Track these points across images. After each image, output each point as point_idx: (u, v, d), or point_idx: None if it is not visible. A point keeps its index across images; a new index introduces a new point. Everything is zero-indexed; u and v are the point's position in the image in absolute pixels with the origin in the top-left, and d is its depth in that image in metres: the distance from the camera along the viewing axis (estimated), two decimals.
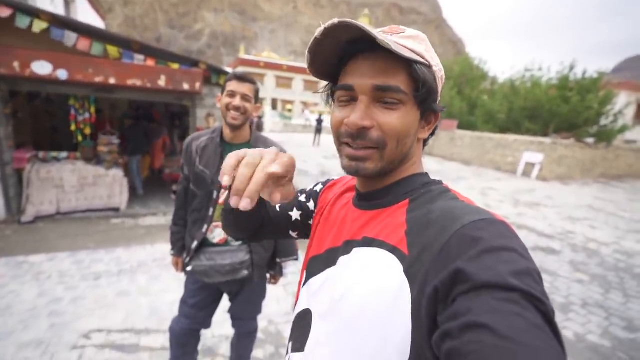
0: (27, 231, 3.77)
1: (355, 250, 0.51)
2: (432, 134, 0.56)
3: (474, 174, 10.58)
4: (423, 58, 0.48)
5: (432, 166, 11.40)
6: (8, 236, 3.60)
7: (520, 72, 14.03)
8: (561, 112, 11.70)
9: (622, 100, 16.58)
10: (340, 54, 0.50)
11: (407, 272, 0.42)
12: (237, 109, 1.29)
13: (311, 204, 0.72)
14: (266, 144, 1.44)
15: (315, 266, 0.57)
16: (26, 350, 1.98)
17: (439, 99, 0.53)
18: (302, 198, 0.73)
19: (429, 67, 0.49)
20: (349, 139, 0.50)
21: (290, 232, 0.74)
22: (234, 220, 0.67)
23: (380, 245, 0.47)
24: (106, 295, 2.60)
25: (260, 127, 8.00)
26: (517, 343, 0.28)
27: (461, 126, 15.07)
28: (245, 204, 0.39)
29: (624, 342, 2.49)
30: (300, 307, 0.58)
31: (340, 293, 0.48)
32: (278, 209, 0.73)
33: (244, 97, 1.30)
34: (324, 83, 0.58)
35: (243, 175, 0.40)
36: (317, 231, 0.65)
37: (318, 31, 0.45)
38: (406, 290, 0.41)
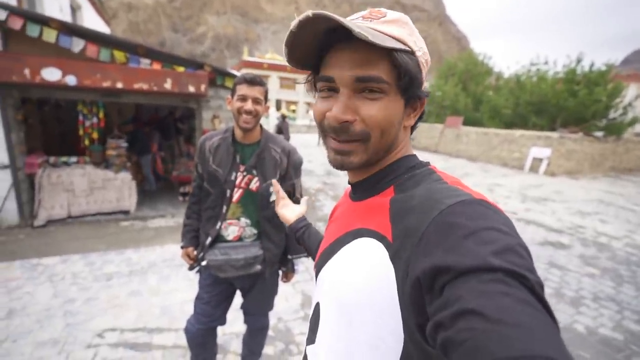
0: (39, 235, 3.86)
1: (352, 241, 0.52)
2: (420, 118, 0.55)
3: (480, 170, 10.48)
4: (405, 44, 0.46)
5: (438, 163, 11.32)
6: (21, 240, 3.69)
7: (525, 66, 13.88)
8: (568, 106, 11.53)
9: (632, 92, 16.32)
10: (319, 44, 0.48)
11: (393, 259, 0.42)
12: (249, 112, 1.31)
13: None
14: (276, 142, 1.46)
15: (322, 260, 0.59)
16: (43, 349, 2.03)
17: (424, 84, 0.51)
18: None
19: (412, 53, 0.47)
20: (332, 134, 0.49)
21: None
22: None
23: (369, 234, 0.48)
24: (118, 296, 2.66)
25: (281, 129, 7.88)
26: (507, 324, 0.28)
27: (466, 122, 14.95)
28: None
29: (637, 335, 2.45)
30: (314, 301, 0.60)
31: (340, 284, 0.50)
32: None
33: (255, 100, 1.32)
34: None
35: None
36: (326, 231, 0.67)
37: (293, 24, 0.44)
38: (392, 277, 0.41)
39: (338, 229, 0.58)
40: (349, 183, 0.61)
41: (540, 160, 10.28)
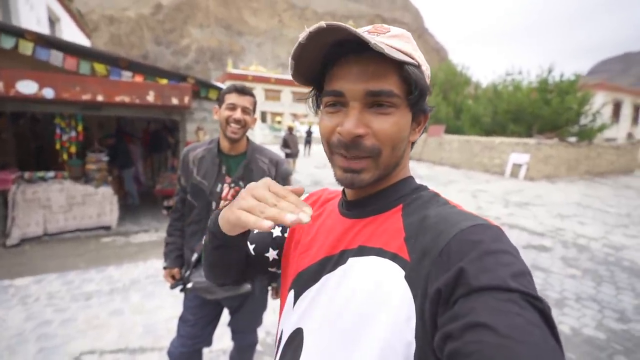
0: (12, 255, 3.65)
1: (352, 260, 0.48)
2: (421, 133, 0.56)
3: (463, 177, 10.75)
4: (412, 58, 0.47)
5: (422, 171, 11.54)
6: None
7: (501, 76, 14.52)
8: (543, 114, 12.09)
9: (599, 100, 17.23)
10: (325, 57, 0.47)
11: (408, 278, 0.41)
12: (237, 121, 1.29)
13: (286, 234, 0.67)
14: (262, 153, 1.43)
15: (304, 281, 0.55)
16: None
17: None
18: (277, 232, 0.68)
19: (418, 66, 0.47)
20: (342, 149, 0.47)
21: (269, 269, 0.69)
22: (220, 259, 0.59)
23: (378, 253, 0.46)
24: (98, 315, 2.53)
25: (287, 143, 7.79)
26: (517, 341, 0.29)
27: (448, 131, 15.37)
28: (305, 217, 0.39)
29: (618, 333, 2.53)
30: (290, 328, 0.55)
31: (339, 305, 0.46)
32: (253, 252, 0.66)
33: (245, 110, 1.31)
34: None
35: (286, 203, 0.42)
36: (299, 247, 0.60)
37: (302, 36, 0.42)
38: (408, 297, 0.40)
39: (327, 247, 0.54)
40: (345, 199, 0.57)
41: (520, 165, 10.65)
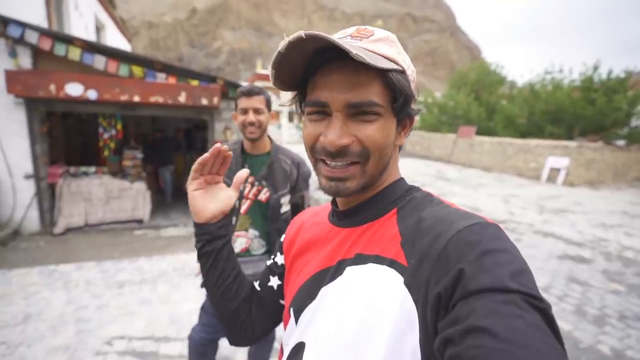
0: (58, 242, 3.98)
1: (349, 270, 0.48)
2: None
3: (495, 180, 10.23)
4: (396, 63, 0.46)
5: (451, 174, 11.13)
6: (41, 247, 3.82)
7: (540, 75, 13.65)
8: (586, 115, 11.19)
9: None
10: (307, 64, 0.47)
11: (408, 284, 0.41)
12: (252, 124, 1.34)
13: (280, 258, 0.68)
14: (285, 154, 1.48)
15: (303, 296, 0.54)
16: (54, 355, 2.07)
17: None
18: (270, 260, 0.70)
19: (403, 72, 0.46)
20: (327, 157, 0.47)
21: (280, 301, 0.67)
22: (214, 272, 0.63)
23: (376, 260, 0.45)
24: (129, 303, 2.69)
25: None
26: (517, 345, 0.28)
27: (480, 132, 14.70)
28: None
29: None
30: (292, 343, 0.54)
31: (338, 318, 0.45)
32: (258, 287, 0.67)
33: (256, 111, 1.35)
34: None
35: None
36: (294, 265, 0.61)
37: (282, 45, 0.42)
38: (410, 303, 0.40)
39: (322, 259, 0.53)
40: (336, 209, 0.56)
41: (558, 170, 9.95)
